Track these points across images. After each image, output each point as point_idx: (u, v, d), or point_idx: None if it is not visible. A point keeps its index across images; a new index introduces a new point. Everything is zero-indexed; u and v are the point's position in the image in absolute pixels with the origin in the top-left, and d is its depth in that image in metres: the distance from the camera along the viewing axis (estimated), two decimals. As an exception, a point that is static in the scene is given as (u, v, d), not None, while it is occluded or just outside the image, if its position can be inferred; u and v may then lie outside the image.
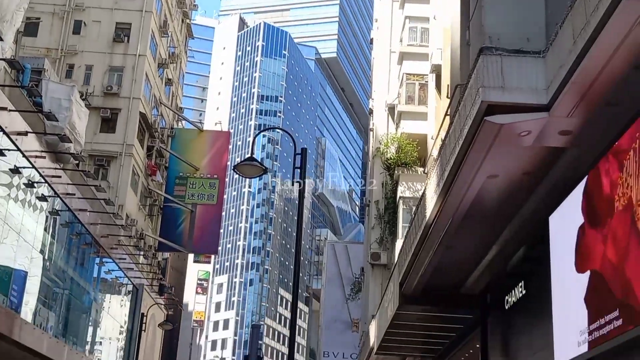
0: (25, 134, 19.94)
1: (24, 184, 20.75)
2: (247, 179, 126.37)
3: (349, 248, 37.11)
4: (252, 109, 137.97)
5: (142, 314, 33.69)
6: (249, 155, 14.25)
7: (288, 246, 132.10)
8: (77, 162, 24.08)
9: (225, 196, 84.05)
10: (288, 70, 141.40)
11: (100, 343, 32.13)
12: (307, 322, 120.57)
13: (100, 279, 31.18)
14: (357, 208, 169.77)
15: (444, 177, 9.99)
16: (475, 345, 15.78)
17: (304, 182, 14.36)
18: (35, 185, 21.38)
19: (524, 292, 11.28)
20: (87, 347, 29.64)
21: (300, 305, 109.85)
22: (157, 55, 38.73)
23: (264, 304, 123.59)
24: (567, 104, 7.66)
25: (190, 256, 59.77)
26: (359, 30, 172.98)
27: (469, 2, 12.23)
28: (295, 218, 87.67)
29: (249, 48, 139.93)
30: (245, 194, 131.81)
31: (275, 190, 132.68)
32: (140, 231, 35.19)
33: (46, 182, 22.01)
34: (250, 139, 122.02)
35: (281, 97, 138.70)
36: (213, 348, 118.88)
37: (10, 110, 18.81)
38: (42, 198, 22.09)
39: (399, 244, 21.49)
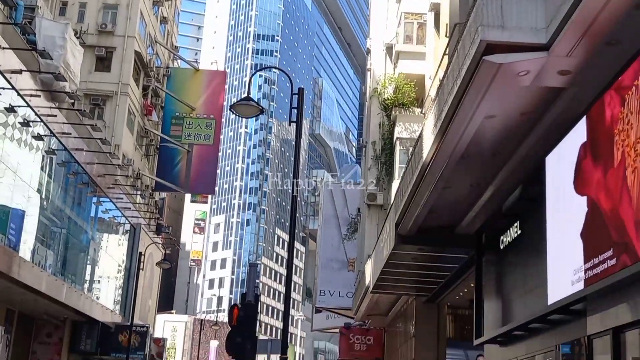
0: (20, 72, 19.76)
1: (19, 123, 20.65)
2: (244, 120, 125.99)
3: (345, 189, 37.21)
4: (248, 48, 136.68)
5: (140, 253, 33.93)
6: (246, 95, 14.17)
7: (284, 187, 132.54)
8: (72, 101, 23.93)
9: (221, 137, 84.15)
10: (285, 9, 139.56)
11: (99, 281, 32.49)
12: (303, 261, 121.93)
13: (98, 218, 31.35)
14: (353, 149, 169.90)
15: (442, 118, 9.95)
16: (470, 285, 15.98)
17: (301, 123, 14.31)
18: (31, 124, 21.29)
19: (519, 232, 11.37)
20: (86, 285, 29.98)
21: (297, 245, 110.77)
22: (151, -8, 38.19)
23: (261, 243, 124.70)
24: (567, 44, 7.59)
25: (187, 196, 60.13)
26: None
27: (469, -61, 12.00)
28: (292, 159, 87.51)
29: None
30: (242, 134, 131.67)
31: (272, 131, 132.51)
32: (137, 171, 35.23)
33: (42, 120, 21.91)
34: (247, 79, 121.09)
35: (278, 36, 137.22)
36: (211, 287, 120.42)
37: (3, 48, 18.60)
38: (38, 137, 22.02)
39: (395, 184, 21.56)
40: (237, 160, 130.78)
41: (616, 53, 7.64)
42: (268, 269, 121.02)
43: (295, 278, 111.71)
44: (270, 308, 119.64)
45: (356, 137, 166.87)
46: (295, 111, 14.25)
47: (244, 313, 14.51)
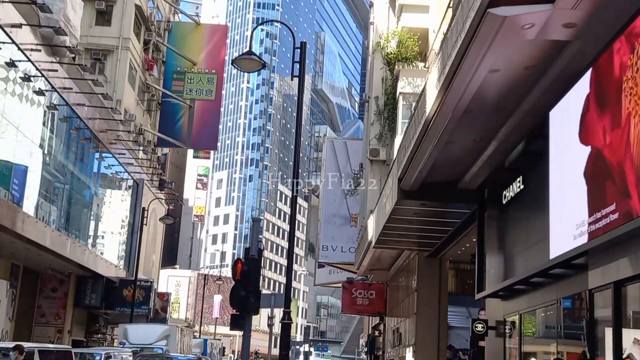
0: (20, 26, 19.60)
1: (20, 77, 20.56)
2: (246, 75, 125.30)
3: (348, 144, 37.09)
4: (249, 1, 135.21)
5: (143, 208, 34.10)
6: (247, 49, 14.05)
7: (287, 142, 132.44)
8: (73, 55, 23.76)
9: (223, 92, 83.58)
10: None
11: (103, 237, 32.70)
12: (306, 217, 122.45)
13: (101, 173, 31.39)
14: (356, 104, 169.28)
15: (445, 72, 9.87)
16: (472, 240, 16.04)
17: (303, 77, 14.21)
18: (32, 79, 21.19)
19: (521, 187, 11.37)
20: (90, 240, 30.18)
21: (300, 201, 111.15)
22: (151, -55, 37.63)
23: (264, 199, 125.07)
24: (573, -4, 7.49)
25: (190, 152, 59.99)
26: None
27: None
28: (294, 114, 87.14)
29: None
30: (244, 89, 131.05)
31: (274, 86, 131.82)
32: (139, 126, 35.15)
33: (42, 75, 21.80)
34: (249, 33, 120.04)
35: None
36: (214, 242, 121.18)
37: (3, 2, 18.42)
38: (40, 92, 21.94)
39: (398, 140, 21.49)
40: (239, 115, 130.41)
41: (622, 6, 7.53)
42: (271, 224, 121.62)
43: (298, 233, 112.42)
44: (273, 263, 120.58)
45: (359, 92, 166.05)
46: (298, 65, 14.15)
47: (248, 267, 14.62)
